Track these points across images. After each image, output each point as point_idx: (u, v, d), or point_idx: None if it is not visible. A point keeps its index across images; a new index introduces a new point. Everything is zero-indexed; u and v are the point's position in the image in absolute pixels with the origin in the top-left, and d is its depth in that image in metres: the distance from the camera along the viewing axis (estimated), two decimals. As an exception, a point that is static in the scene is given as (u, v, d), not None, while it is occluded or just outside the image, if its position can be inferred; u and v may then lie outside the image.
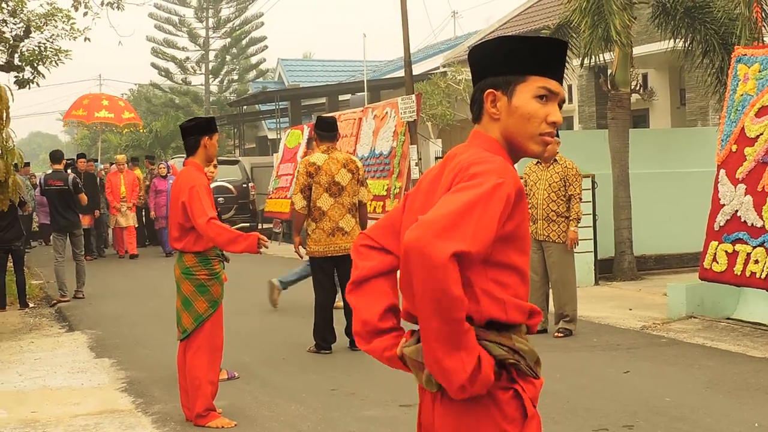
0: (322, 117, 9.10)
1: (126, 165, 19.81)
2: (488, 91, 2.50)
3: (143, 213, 20.86)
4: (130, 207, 19.10)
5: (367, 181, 8.82)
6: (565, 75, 2.65)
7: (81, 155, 19.45)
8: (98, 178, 19.03)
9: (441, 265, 2.11)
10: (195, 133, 6.29)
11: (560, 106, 2.54)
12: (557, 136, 8.65)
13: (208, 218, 6.00)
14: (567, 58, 2.39)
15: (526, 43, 2.50)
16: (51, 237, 13.60)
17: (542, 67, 2.48)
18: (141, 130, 22.68)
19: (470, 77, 2.82)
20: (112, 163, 21.83)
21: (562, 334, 8.77)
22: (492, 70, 2.52)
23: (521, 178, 8.44)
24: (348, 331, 8.42)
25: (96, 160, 20.36)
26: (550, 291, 9.07)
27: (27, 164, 21.20)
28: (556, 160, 8.89)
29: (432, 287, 2.12)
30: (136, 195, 19.50)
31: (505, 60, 2.49)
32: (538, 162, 8.90)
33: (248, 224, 21.43)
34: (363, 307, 2.52)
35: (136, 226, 19.83)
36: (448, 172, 2.45)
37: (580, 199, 8.95)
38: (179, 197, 6.19)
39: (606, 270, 12.86)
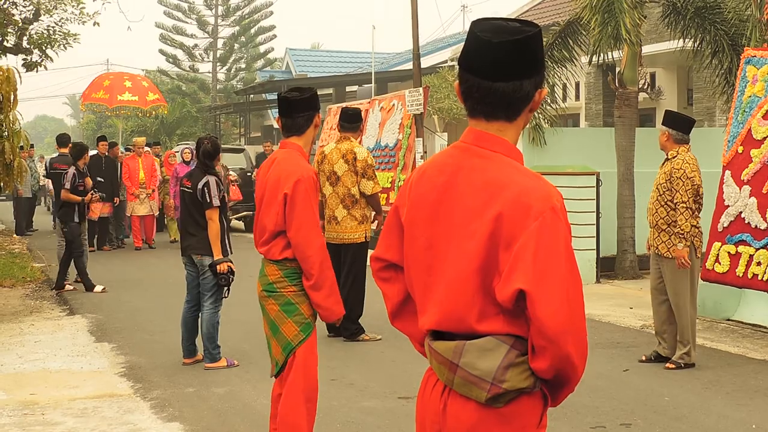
0: (346, 108, 9.48)
1: (144, 148, 18.08)
2: (541, 89, 2.37)
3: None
4: (150, 194, 17.57)
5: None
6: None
7: (102, 138, 17.79)
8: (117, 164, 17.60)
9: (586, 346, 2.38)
10: (309, 109, 4.95)
11: None
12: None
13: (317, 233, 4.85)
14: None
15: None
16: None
17: None
18: (165, 113, 21.74)
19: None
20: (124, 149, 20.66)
21: (674, 366, 7.44)
22: (541, 63, 2.36)
23: None
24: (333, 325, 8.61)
25: (116, 144, 18.53)
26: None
27: (32, 146, 20.61)
28: (667, 158, 7.51)
29: (584, 360, 2.37)
30: (156, 180, 17.85)
31: (541, 57, 2.37)
32: None
33: (251, 212, 21.40)
34: (414, 332, 2.62)
35: (156, 214, 18.18)
36: (475, 192, 2.32)
37: (688, 208, 7.32)
38: (280, 188, 4.85)
39: (608, 268, 12.86)
